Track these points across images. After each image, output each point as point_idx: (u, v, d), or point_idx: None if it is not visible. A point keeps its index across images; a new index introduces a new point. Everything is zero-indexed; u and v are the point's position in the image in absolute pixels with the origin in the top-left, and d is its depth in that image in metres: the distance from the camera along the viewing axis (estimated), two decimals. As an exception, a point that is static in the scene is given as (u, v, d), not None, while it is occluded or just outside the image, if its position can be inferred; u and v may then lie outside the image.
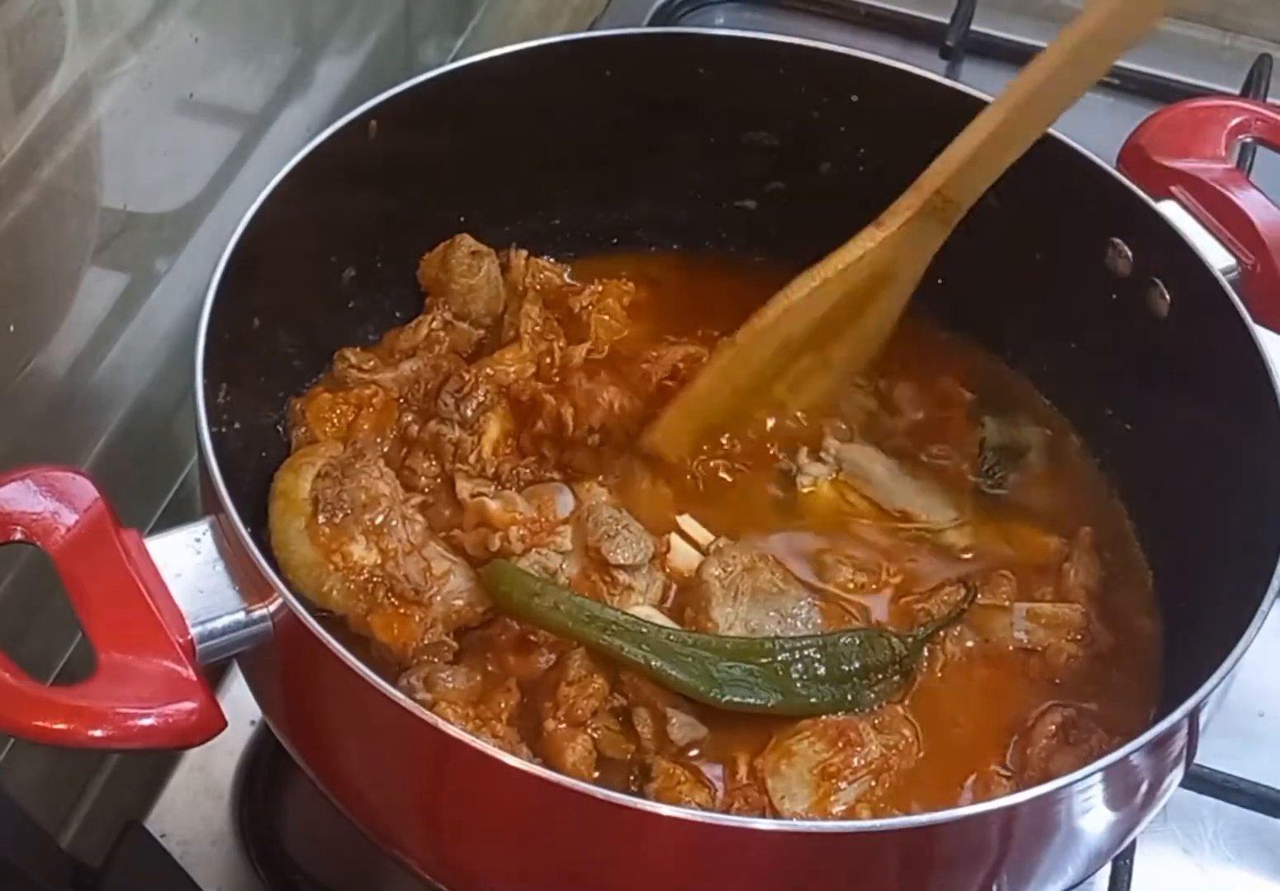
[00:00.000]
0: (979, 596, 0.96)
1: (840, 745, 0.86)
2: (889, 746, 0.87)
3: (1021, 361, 1.09)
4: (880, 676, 0.90)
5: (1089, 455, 1.05)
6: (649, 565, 0.94)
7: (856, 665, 0.89)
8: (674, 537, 0.97)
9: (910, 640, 0.92)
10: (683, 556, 0.96)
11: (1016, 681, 0.94)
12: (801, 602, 0.94)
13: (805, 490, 1.01)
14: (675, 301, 1.11)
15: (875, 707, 0.90)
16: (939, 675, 0.93)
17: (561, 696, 0.87)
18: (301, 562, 0.89)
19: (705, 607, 0.91)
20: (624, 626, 0.87)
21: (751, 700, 0.87)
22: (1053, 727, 0.90)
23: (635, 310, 1.09)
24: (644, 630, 0.87)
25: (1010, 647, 0.95)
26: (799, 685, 0.88)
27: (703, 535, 0.97)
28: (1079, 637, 0.95)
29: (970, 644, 0.95)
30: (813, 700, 0.88)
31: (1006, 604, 0.96)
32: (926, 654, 0.93)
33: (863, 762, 0.86)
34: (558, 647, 0.90)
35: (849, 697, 0.89)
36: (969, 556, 0.99)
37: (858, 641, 0.90)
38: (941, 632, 0.94)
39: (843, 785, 0.85)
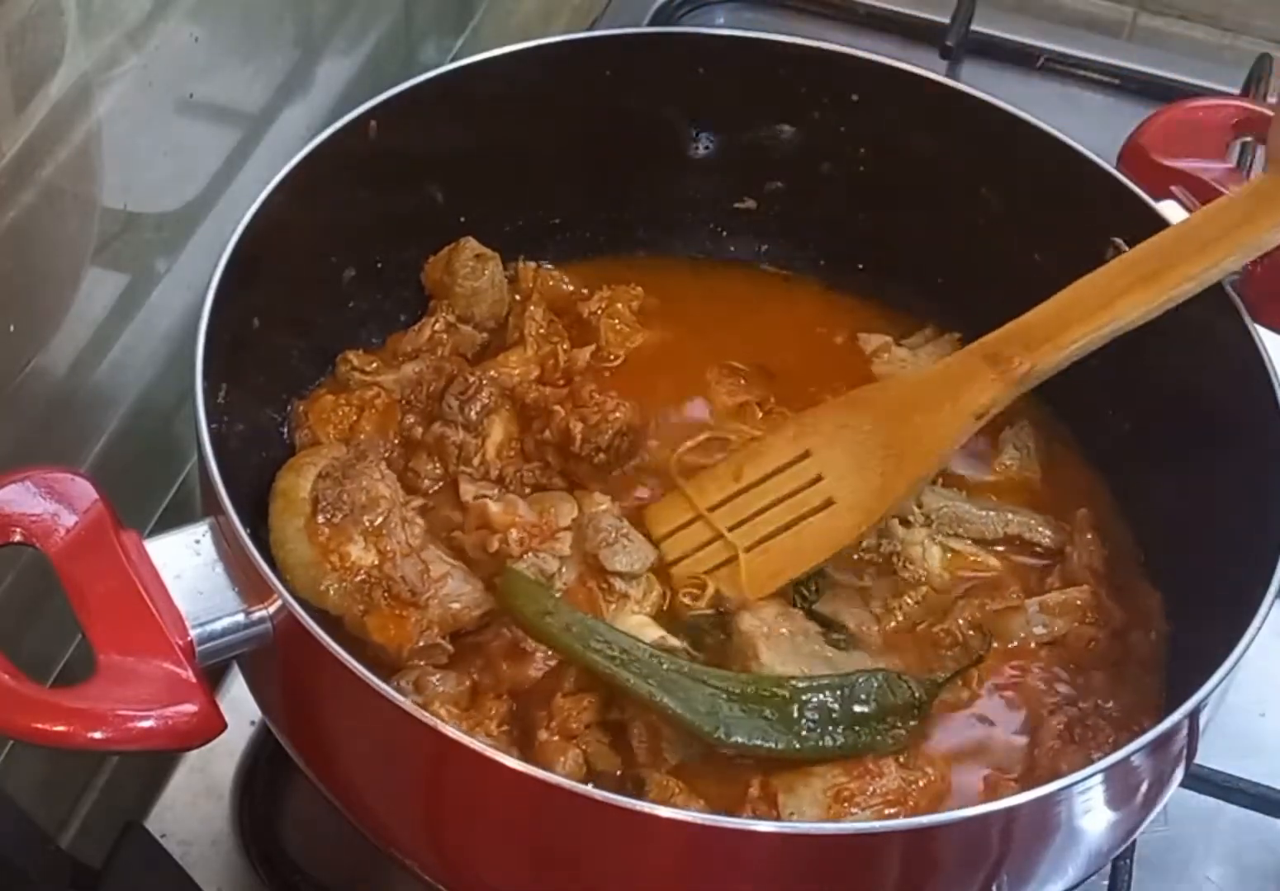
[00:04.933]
0: (990, 601, 0.96)
1: (856, 773, 0.85)
2: (909, 781, 0.85)
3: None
4: (897, 721, 0.87)
5: (1089, 458, 1.06)
6: (648, 575, 0.94)
7: (872, 707, 0.86)
8: None
9: (929, 684, 0.90)
10: None
11: (1037, 681, 0.94)
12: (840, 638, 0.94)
13: (922, 565, 0.98)
14: (677, 303, 1.11)
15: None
16: (973, 687, 0.93)
17: (556, 707, 0.87)
18: (299, 562, 0.89)
19: (755, 656, 0.90)
20: (635, 656, 0.85)
21: (758, 742, 0.84)
22: (1060, 727, 0.90)
23: (640, 314, 1.09)
24: (656, 662, 0.85)
25: (1033, 644, 0.95)
26: (808, 729, 0.85)
27: None
28: (1095, 618, 0.96)
29: (994, 644, 0.95)
30: (824, 744, 0.85)
31: (1018, 601, 0.96)
32: (960, 678, 0.93)
33: (878, 792, 0.84)
34: (552, 657, 0.90)
35: (863, 741, 0.86)
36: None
37: (875, 684, 0.87)
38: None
39: (855, 811, 0.83)
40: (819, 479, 0.96)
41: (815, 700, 0.86)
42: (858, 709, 0.86)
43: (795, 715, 0.85)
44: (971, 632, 0.95)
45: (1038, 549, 1.00)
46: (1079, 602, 0.96)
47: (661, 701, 0.84)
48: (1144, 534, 1.01)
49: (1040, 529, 1.00)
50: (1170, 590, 0.98)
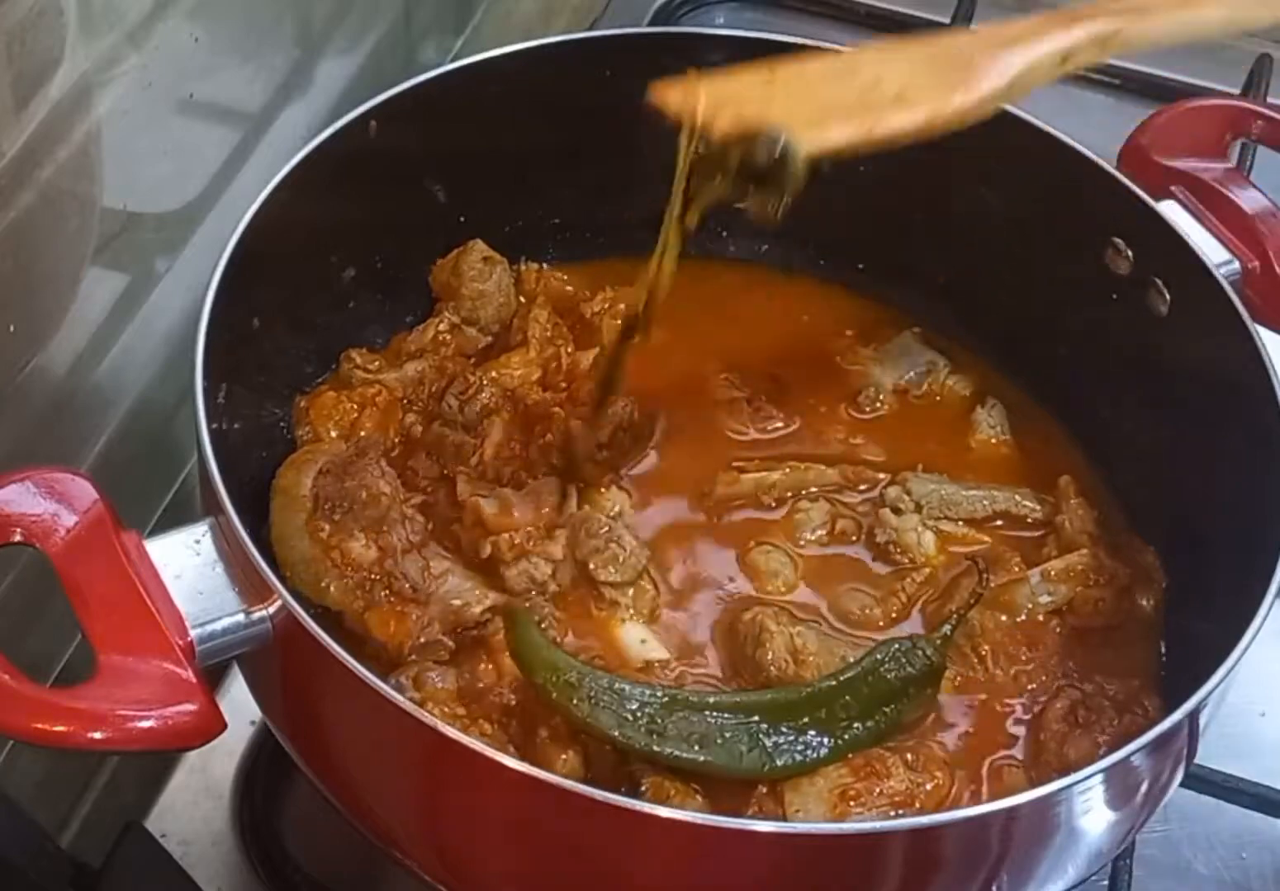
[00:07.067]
0: (993, 576, 0.95)
1: (863, 774, 0.84)
2: (917, 784, 0.85)
3: (1021, 361, 1.09)
4: (920, 689, 0.88)
5: (1092, 462, 1.05)
6: (642, 579, 0.94)
7: (896, 683, 0.87)
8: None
9: (940, 640, 0.89)
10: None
11: (1040, 662, 0.95)
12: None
13: (918, 551, 0.98)
14: (676, 302, 1.10)
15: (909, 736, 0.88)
16: (990, 667, 0.93)
17: None
18: (300, 558, 0.89)
19: (787, 668, 0.90)
20: (660, 724, 0.83)
21: (801, 758, 0.84)
22: (1063, 710, 0.91)
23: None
24: (685, 716, 0.83)
25: (1041, 616, 0.96)
26: (844, 723, 0.85)
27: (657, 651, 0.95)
28: (1098, 579, 0.96)
29: (1004, 619, 0.95)
30: (860, 733, 0.85)
31: (1020, 573, 0.97)
32: (975, 658, 0.93)
33: (883, 793, 0.84)
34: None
35: (891, 716, 0.86)
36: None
37: (888, 658, 0.87)
38: (978, 627, 0.94)
39: (858, 810, 0.83)
40: (881, 81, 0.88)
41: (848, 690, 0.86)
42: (883, 687, 0.87)
43: (828, 715, 0.85)
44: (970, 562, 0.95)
45: (1028, 521, 1.01)
46: (1080, 566, 0.97)
47: (709, 762, 0.83)
48: (1140, 531, 1.01)
49: (1025, 502, 1.01)
50: (1164, 548, 0.99)
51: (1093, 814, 0.81)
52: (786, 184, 0.83)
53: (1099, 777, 0.77)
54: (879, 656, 0.88)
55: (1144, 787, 0.84)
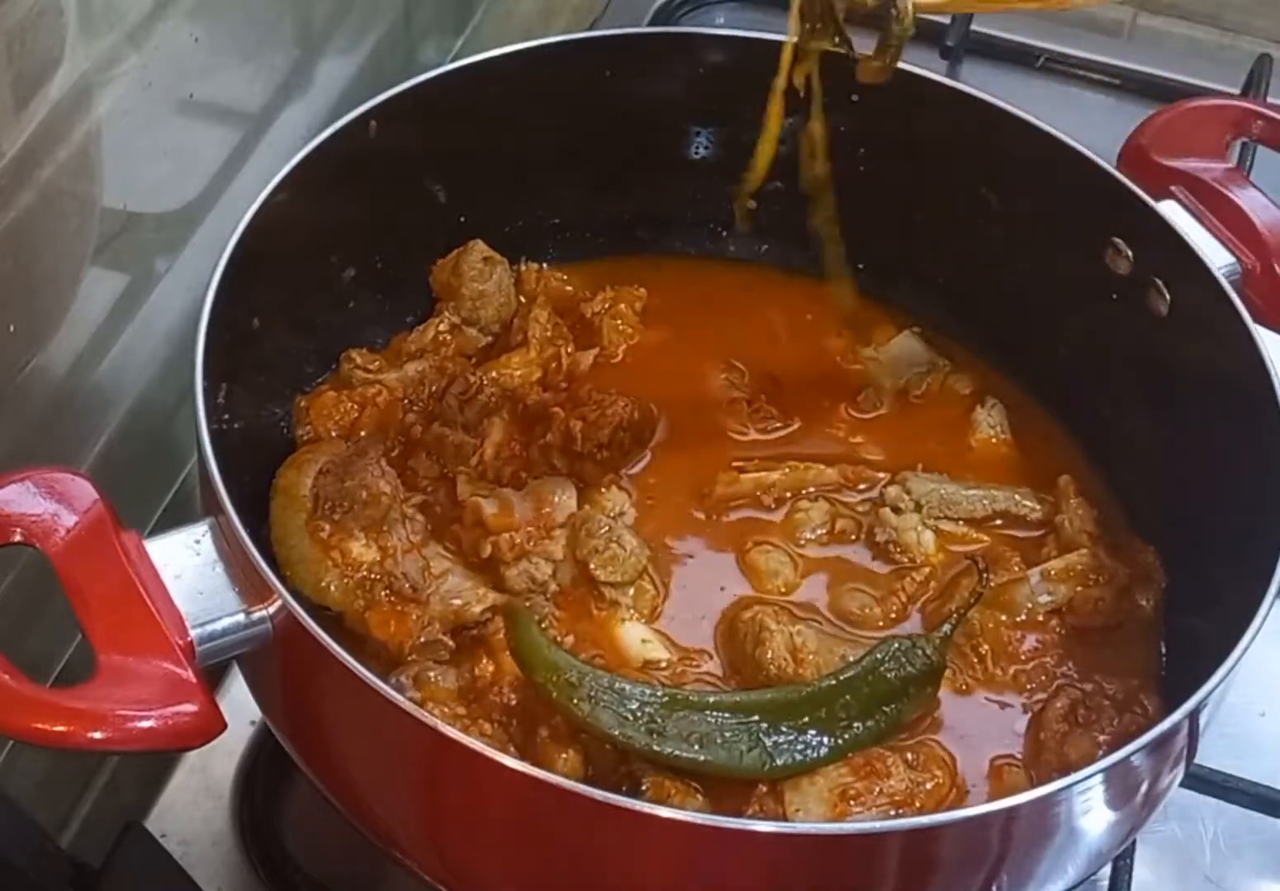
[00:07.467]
0: (993, 576, 0.95)
1: (863, 773, 0.84)
2: (917, 783, 0.85)
3: (1021, 361, 1.09)
4: (919, 688, 0.88)
5: (1092, 462, 1.05)
6: (642, 579, 0.95)
7: (896, 683, 0.87)
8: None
9: (940, 639, 0.89)
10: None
11: (1040, 661, 0.95)
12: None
13: (918, 551, 0.98)
14: (676, 302, 1.11)
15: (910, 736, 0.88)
16: (990, 667, 0.93)
17: None
18: (300, 558, 0.89)
19: (786, 668, 0.90)
20: (660, 725, 0.83)
21: (801, 758, 0.84)
22: (1063, 710, 0.90)
23: (641, 314, 1.09)
24: (685, 715, 0.83)
25: (1040, 615, 0.96)
26: (843, 724, 0.85)
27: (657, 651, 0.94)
28: (1098, 579, 0.96)
29: (1004, 618, 0.95)
30: (859, 733, 0.85)
31: (1020, 573, 0.97)
32: (975, 658, 0.93)
33: (884, 793, 0.84)
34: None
35: (891, 716, 0.86)
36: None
37: (888, 658, 0.87)
38: (978, 627, 0.94)
39: (858, 810, 0.83)
40: None
41: (848, 689, 0.86)
42: (883, 686, 0.87)
43: (827, 714, 0.85)
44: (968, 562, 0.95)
45: (1028, 521, 1.01)
46: (1080, 566, 0.97)
47: (709, 761, 0.83)
48: (1140, 531, 1.01)
49: (1025, 502, 1.01)
50: (1164, 548, 0.98)
51: (1093, 814, 0.81)
52: (894, 33, 0.85)
53: (1099, 777, 0.77)
54: (879, 655, 0.87)
55: (1144, 787, 0.84)
